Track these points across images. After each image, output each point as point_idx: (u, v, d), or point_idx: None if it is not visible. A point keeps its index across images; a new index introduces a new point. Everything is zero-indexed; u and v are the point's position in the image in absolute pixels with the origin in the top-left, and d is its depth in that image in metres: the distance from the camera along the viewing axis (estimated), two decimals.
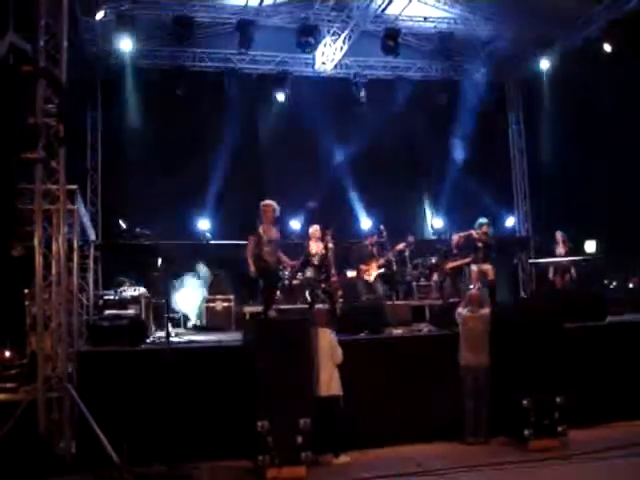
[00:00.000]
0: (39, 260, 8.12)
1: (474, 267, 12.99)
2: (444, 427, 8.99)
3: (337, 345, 8.58)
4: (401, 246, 14.34)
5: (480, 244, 12.84)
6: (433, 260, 15.18)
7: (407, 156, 17.85)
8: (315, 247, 12.07)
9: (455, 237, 13.51)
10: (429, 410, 9.03)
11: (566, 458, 8.04)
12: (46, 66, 8.15)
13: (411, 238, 15.16)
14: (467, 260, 13.05)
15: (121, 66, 15.51)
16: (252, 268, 10.05)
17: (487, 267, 12.87)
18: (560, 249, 14.03)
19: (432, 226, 18.16)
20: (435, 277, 14.89)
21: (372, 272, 12.82)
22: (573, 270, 13.82)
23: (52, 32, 8.40)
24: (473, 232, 13.01)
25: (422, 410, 9.01)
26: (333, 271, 12.05)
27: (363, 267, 12.86)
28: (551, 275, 14.17)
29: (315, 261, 11.97)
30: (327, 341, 8.53)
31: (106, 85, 15.90)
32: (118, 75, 15.57)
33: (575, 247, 14.09)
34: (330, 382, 8.33)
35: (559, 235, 14.13)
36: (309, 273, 12.10)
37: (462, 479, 7.49)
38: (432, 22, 15.50)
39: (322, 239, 11.98)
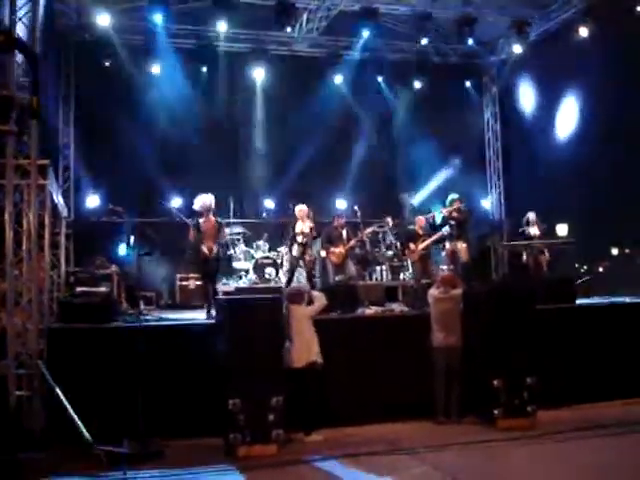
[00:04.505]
0: (10, 236, 8.01)
1: (448, 245, 12.99)
2: (416, 406, 9.06)
3: (316, 299, 8.69)
4: (373, 227, 14.43)
5: (452, 222, 12.84)
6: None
7: (383, 137, 17.88)
8: (301, 226, 12.46)
9: (420, 219, 13.49)
10: (401, 389, 9.08)
11: (535, 438, 8.15)
12: (20, 37, 8.02)
13: (388, 219, 15.24)
14: (435, 237, 13.00)
15: (95, 41, 15.31)
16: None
17: (461, 246, 12.86)
18: (535, 230, 14.04)
19: (412, 205, 18.11)
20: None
21: (339, 255, 12.87)
22: (547, 252, 13.86)
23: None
24: (444, 210, 13.00)
25: (394, 389, 9.06)
26: (311, 251, 12.47)
27: (331, 249, 12.94)
28: (525, 257, 14.15)
29: (299, 239, 12.37)
30: (302, 313, 8.56)
31: (80, 59, 15.69)
32: (92, 49, 15.37)
33: (548, 229, 14.12)
34: (309, 351, 8.36)
35: (532, 216, 14.11)
36: (294, 251, 12.50)
37: (432, 457, 7.56)
38: (409, 3, 15.42)
39: (309, 217, 12.42)
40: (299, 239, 12.59)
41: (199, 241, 11.04)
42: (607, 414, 9.14)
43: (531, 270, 13.65)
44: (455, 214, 12.90)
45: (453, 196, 13.15)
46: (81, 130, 15.83)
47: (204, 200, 11.17)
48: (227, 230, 13.05)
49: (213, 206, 11.25)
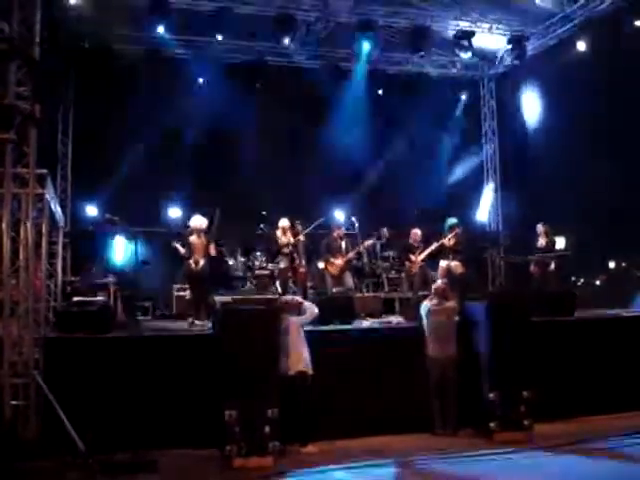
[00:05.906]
0: (7, 245, 8.02)
1: (442, 264, 13.00)
2: (413, 418, 9.05)
3: (307, 309, 8.73)
4: (372, 239, 14.39)
5: (452, 250, 12.85)
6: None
7: (381, 148, 17.90)
8: (284, 238, 12.54)
9: (415, 231, 13.47)
10: (398, 401, 9.08)
11: (531, 451, 8.13)
12: (21, 44, 8.03)
13: (385, 231, 15.20)
14: (431, 248, 13.00)
15: (95, 50, 15.30)
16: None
17: (455, 263, 12.88)
18: (542, 241, 13.96)
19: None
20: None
21: (338, 266, 12.85)
22: (553, 264, 13.74)
23: (25, 12, 8.30)
24: (444, 241, 12.92)
25: (391, 401, 9.06)
26: (302, 262, 12.47)
27: (330, 260, 12.92)
28: (532, 268, 13.95)
29: (285, 251, 12.43)
30: (293, 323, 8.56)
31: (79, 69, 15.68)
32: (92, 59, 15.35)
33: (552, 241, 14.05)
34: (299, 360, 8.36)
35: (540, 227, 14.01)
36: (281, 264, 12.54)
37: (427, 469, 7.55)
38: (408, 16, 15.46)
39: (292, 230, 12.40)
40: (284, 251, 12.72)
41: (189, 255, 11.56)
42: (604, 427, 9.13)
43: (536, 281, 13.60)
44: (453, 241, 12.88)
45: (451, 221, 13.06)
46: (79, 139, 15.81)
47: (197, 221, 11.80)
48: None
49: (204, 226, 11.80)
